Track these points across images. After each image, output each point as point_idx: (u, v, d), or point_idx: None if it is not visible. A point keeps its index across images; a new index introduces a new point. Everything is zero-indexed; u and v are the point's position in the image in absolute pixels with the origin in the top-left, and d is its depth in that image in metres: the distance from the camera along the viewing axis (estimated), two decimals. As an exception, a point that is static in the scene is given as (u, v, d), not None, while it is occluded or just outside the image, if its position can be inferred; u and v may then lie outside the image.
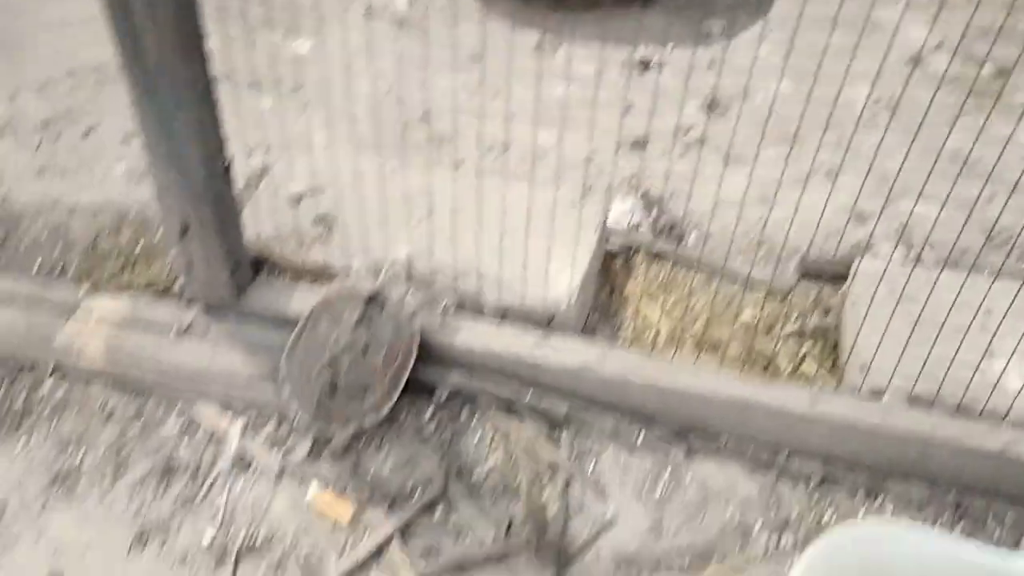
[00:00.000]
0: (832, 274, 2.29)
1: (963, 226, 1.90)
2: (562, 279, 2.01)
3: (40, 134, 2.63)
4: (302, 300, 2.02)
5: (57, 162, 2.54)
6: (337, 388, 1.84)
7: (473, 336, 1.95)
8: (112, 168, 2.52)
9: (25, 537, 1.74)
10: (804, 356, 2.10)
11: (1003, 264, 2.23)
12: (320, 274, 2.09)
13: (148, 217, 2.33)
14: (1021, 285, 1.88)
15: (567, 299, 2.00)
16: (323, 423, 1.85)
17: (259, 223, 2.11)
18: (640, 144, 2.68)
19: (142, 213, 2.35)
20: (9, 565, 1.70)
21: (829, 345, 2.12)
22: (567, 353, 1.93)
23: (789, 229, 1.92)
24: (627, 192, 2.54)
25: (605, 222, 2.28)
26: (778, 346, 2.12)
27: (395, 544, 1.74)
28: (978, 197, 1.91)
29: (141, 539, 1.74)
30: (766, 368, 2.06)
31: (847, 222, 2.28)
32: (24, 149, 2.59)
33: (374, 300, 1.91)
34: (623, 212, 2.46)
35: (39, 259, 2.24)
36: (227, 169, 1.83)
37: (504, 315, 2.03)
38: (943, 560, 1.03)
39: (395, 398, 1.87)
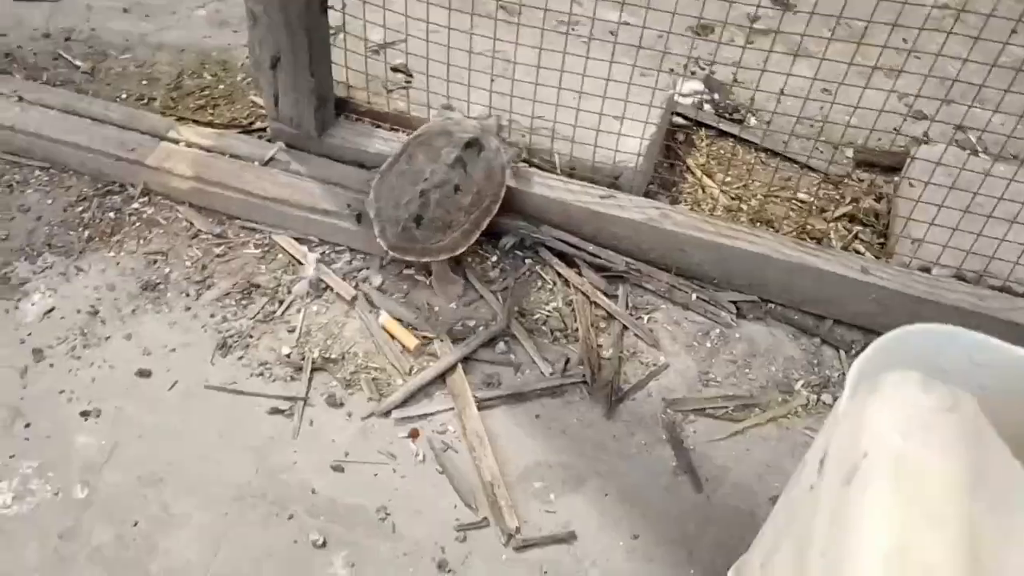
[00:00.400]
0: (886, 164, 2.36)
1: (1016, 124, 1.95)
2: (630, 142, 2.08)
3: (125, -26, 2.71)
4: (381, 144, 2.10)
5: (141, 2, 2.61)
6: (422, 220, 1.92)
7: (543, 187, 2.04)
8: (193, 12, 2.59)
9: (116, 337, 1.86)
10: (855, 236, 2.18)
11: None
12: (399, 121, 2.17)
13: (229, 60, 2.41)
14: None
15: (634, 160, 2.08)
16: (402, 249, 1.94)
17: (340, 69, 2.18)
18: (708, 29, 2.72)
19: (223, 56, 2.42)
20: (100, 362, 1.82)
21: (879, 230, 2.20)
22: (631, 209, 2.01)
23: (850, 119, 1.97)
24: (694, 72, 2.60)
25: (673, 96, 2.34)
26: (830, 226, 2.20)
27: (458, 371, 1.86)
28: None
29: (224, 347, 1.86)
30: (818, 243, 2.14)
31: (905, 117, 2.33)
32: (110, -12, 2.66)
33: (472, 145, 1.98)
34: (689, 91, 2.52)
35: (126, 90, 2.33)
36: (324, 0, 1.89)
37: (573, 171, 2.11)
38: (999, 359, 1.12)
39: (473, 240, 1.96)
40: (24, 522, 1.58)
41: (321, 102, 2.04)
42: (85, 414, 1.74)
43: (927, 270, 1.96)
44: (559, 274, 2.03)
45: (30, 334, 1.85)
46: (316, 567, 1.57)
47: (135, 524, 1.60)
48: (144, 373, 1.80)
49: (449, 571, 1.58)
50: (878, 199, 2.27)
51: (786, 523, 1.15)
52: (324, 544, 1.60)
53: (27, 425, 1.71)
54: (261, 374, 1.82)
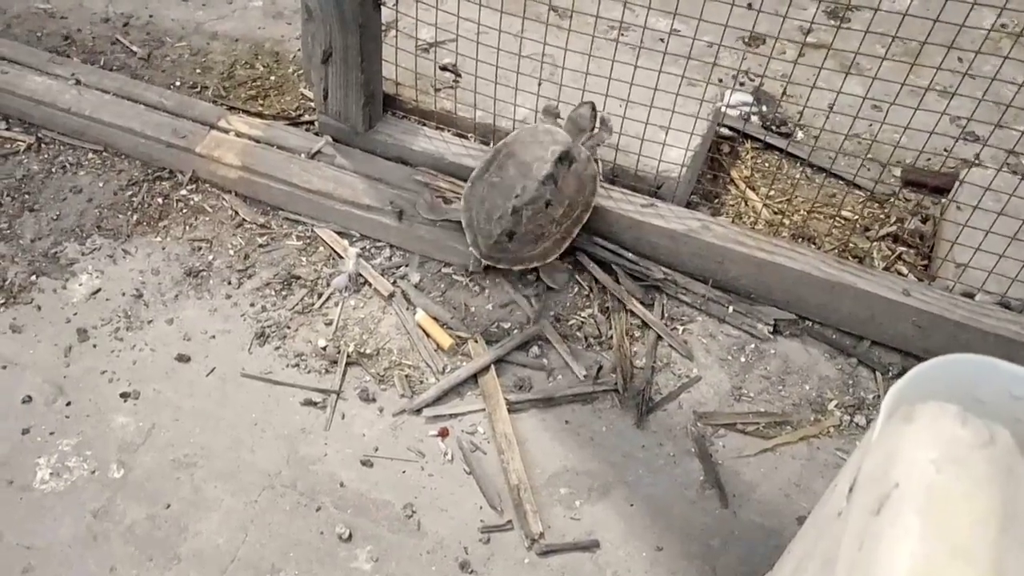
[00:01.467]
0: (935, 186, 2.33)
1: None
2: (674, 152, 2.08)
3: (184, -36, 2.75)
4: (426, 142, 2.12)
5: (199, -9, 2.66)
6: (515, 235, 1.93)
7: (583, 194, 2.04)
8: (249, 3, 2.63)
9: (158, 321, 1.90)
10: (898, 256, 2.16)
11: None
12: (445, 120, 2.19)
13: (282, 52, 2.44)
14: None
15: (678, 169, 2.07)
16: (495, 259, 1.96)
17: (389, 66, 2.20)
18: (759, 40, 2.70)
19: (276, 48, 2.46)
20: (141, 344, 1.86)
21: (923, 251, 2.17)
22: (672, 219, 2.01)
23: (900, 138, 1.95)
24: (742, 84, 2.58)
25: (720, 107, 2.33)
26: (873, 245, 2.17)
27: (490, 373, 1.87)
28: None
29: (261, 336, 1.89)
30: (860, 262, 2.12)
31: (956, 139, 2.30)
32: (168, -24, 2.71)
33: (564, 159, 1.96)
34: (736, 102, 2.51)
35: (180, 77, 2.37)
36: (377, -1, 1.92)
37: (615, 178, 2.11)
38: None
39: (566, 246, 1.97)
40: (60, 498, 1.62)
41: (369, 98, 2.06)
42: (125, 395, 1.77)
43: (970, 295, 1.94)
44: (596, 280, 2.03)
45: (76, 314, 1.89)
46: (340, 559, 1.59)
47: (168, 506, 1.63)
48: (183, 358, 1.84)
49: (471, 572, 1.60)
50: (924, 220, 2.24)
51: (812, 546, 1.15)
52: (350, 537, 1.62)
53: (68, 403, 1.75)
54: (296, 365, 1.85)
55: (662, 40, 2.43)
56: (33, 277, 1.94)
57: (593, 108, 2.03)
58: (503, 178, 1.95)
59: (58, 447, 1.69)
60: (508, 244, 1.93)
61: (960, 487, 0.86)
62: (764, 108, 2.53)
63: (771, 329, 1.98)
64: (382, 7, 1.95)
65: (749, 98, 2.53)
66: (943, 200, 2.24)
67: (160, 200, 2.11)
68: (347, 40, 1.94)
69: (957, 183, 2.18)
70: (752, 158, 2.38)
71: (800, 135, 2.47)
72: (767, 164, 2.37)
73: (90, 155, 2.19)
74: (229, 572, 1.56)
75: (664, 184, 2.09)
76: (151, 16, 2.55)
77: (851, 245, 2.17)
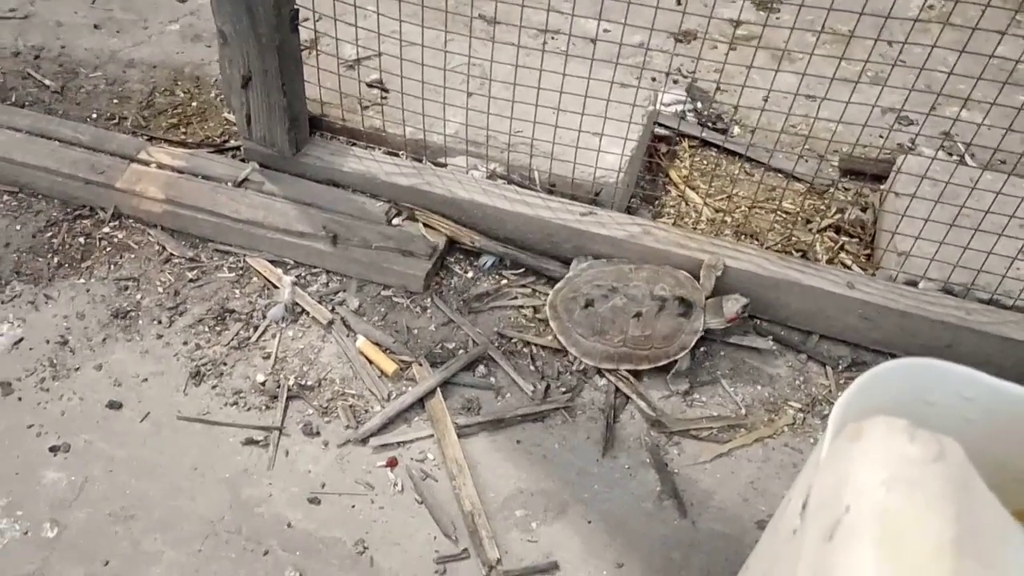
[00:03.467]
0: (873, 173, 2.32)
1: (1005, 134, 1.91)
2: (610, 158, 2.04)
3: (96, -10, 2.66)
4: (356, 163, 2.06)
5: (113, 17, 2.56)
6: (592, 304, 1.90)
7: (522, 206, 2.00)
8: (166, 27, 2.54)
9: (86, 368, 1.82)
10: (841, 247, 2.15)
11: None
12: (374, 138, 2.13)
13: (203, 76, 2.37)
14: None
15: (615, 175, 2.04)
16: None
17: (314, 86, 2.13)
18: (690, 36, 2.69)
19: (196, 72, 2.38)
20: (69, 394, 1.78)
21: (865, 240, 2.16)
22: (612, 226, 1.97)
23: (836, 128, 1.94)
24: (676, 82, 2.56)
25: (655, 108, 2.30)
26: (815, 237, 2.16)
27: (437, 396, 1.82)
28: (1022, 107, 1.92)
29: (196, 375, 1.82)
30: (803, 256, 2.10)
31: (890, 127, 2.30)
32: (80, 3, 2.61)
33: (684, 302, 1.88)
34: (671, 101, 2.48)
35: (96, 109, 2.29)
36: (294, 18, 1.85)
37: (553, 187, 2.07)
38: (987, 396, 1.09)
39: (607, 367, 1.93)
40: (-9, 564, 1.54)
41: (294, 121, 2.00)
42: (54, 449, 1.69)
43: (914, 284, 1.93)
44: (537, 293, 1.99)
45: (-2, 365, 1.81)
46: (292, 605, 1.53)
47: (106, 563, 1.56)
48: (115, 405, 1.76)
49: (428, 605, 1.55)
50: (864, 209, 2.24)
51: (770, 568, 1.12)
52: (300, 580, 1.56)
53: (-6, 462, 1.67)
54: (235, 403, 1.78)
55: (592, 41, 2.40)
56: (-50, 330, 1.85)
57: (745, 308, 1.91)
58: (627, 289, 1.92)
59: (-15, 509, 1.60)
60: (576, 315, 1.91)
61: (913, 509, 0.83)
62: (699, 105, 2.51)
63: (720, 330, 1.95)
64: (299, 27, 1.89)
65: (683, 95, 2.51)
66: (881, 188, 2.23)
67: (82, 240, 2.02)
68: (265, 63, 1.88)
69: (894, 171, 2.17)
70: (690, 156, 2.36)
71: (736, 130, 2.46)
72: (705, 162, 2.35)
73: (4, 197, 2.09)
74: (175, 628, 1.50)
75: (603, 191, 2.05)
76: (63, 47, 2.46)
77: (794, 239, 2.16)
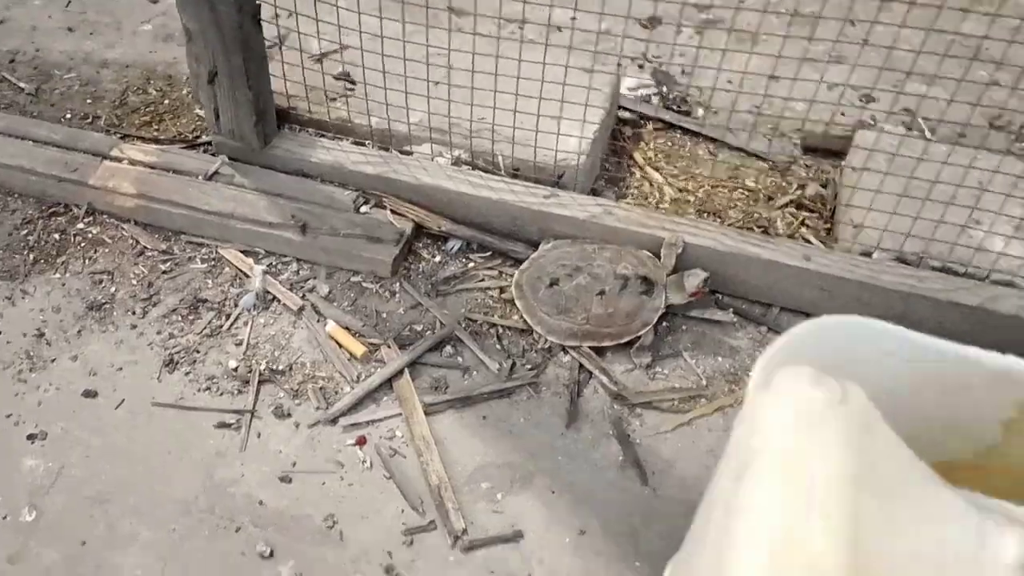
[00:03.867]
0: (833, 149, 2.37)
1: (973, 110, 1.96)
2: (572, 141, 2.09)
3: (70, -7, 2.72)
4: (324, 153, 2.11)
5: (87, 20, 2.61)
6: (556, 283, 1.96)
7: (486, 190, 2.05)
8: (139, 28, 2.60)
9: (62, 359, 1.87)
10: (802, 222, 2.19)
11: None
12: (341, 129, 2.18)
13: (175, 75, 2.42)
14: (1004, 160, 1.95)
15: (576, 158, 2.08)
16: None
17: (283, 80, 2.18)
18: (656, 21, 2.73)
19: (169, 71, 2.43)
20: (46, 384, 1.83)
21: (825, 215, 2.21)
22: (574, 207, 2.02)
23: (808, 109, 1.98)
24: (640, 66, 2.60)
25: (616, 91, 2.35)
26: (776, 213, 2.21)
27: (405, 376, 1.87)
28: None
29: (170, 363, 1.87)
30: (764, 232, 2.15)
31: (842, 101, 2.35)
32: (54, 6, 2.66)
33: (647, 282, 1.93)
34: (636, 85, 2.53)
35: (71, 110, 2.34)
36: (256, 13, 1.90)
37: (517, 172, 2.12)
38: (907, 350, 1.13)
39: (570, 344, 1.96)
40: (-29, 547, 1.59)
41: (261, 115, 2.05)
42: (32, 437, 1.74)
43: (869, 255, 1.97)
44: (504, 275, 2.04)
45: (-24, 360, 1.86)
46: (263, 579, 1.58)
47: (83, 544, 1.61)
48: (90, 394, 1.81)
49: (396, 575, 1.60)
50: (824, 185, 2.28)
51: (705, 520, 1.16)
52: (272, 555, 1.61)
53: (-27, 451, 1.72)
54: (208, 389, 1.83)
55: (559, 28, 2.45)
56: (-71, 327, 1.91)
57: (706, 282, 1.95)
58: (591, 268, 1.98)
59: (-34, 496, 1.66)
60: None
61: (815, 447, 0.87)
62: (665, 89, 2.56)
63: (682, 305, 2.00)
64: (261, 22, 1.94)
65: (649, 79, 2.55)
66: (841, 164, 2.28)
67: (57, 236, 2.07)
68: (230, 59, 1.93)
69: (851, 146, 2.22)
70: (655, 139, 2.40)
71: (701, 112, 2.50)
72: (670, 144, 2.40)
73: (-18, 197, 2.15)
74: (150, 604, 1.55)
75: (565, 173, 2.10)
76: (38, 50, 2.51)
77: (756, 215, 2.21)
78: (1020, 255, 1.93)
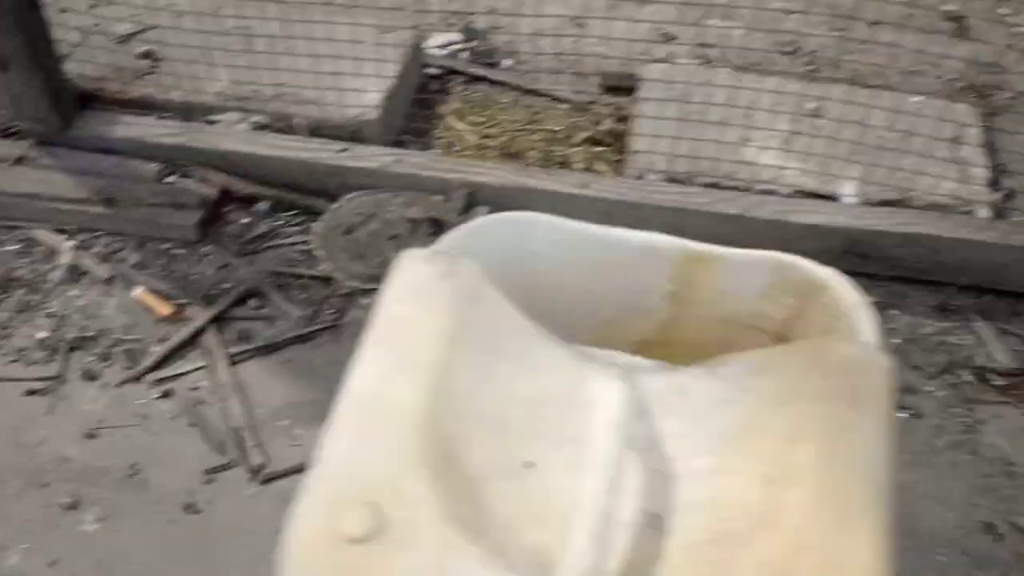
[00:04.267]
0: (630, 86, 2.49)
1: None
2: (367, 95, 2.19)
3: None
4: (124, 129, 2.19)
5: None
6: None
7: (282, 150, 2.14)
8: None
9: None
10: (597, 157, 2.32)
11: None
12: (148, 104, 2.26)
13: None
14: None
15: (373, 112, 2.19)
16: None
17: (89, 62, 2.26)
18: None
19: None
20: None
21: (619, 149, 2.33)
22: (368, 158, 2.12)
23: (612, 50, 2.11)
24: (450, 25, 2.71)
25: (418, 48, 2.45)
26: (572, 150, 2.33)
27: (210, 331, 1.96)
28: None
29: (-19, 340, 1.95)
30: (562, 168, 2.27)
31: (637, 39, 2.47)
32: None
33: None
34: (444, 42, 2.63)
35: None
36: (34, 2, 1.98)
37: (315, 131, 2.22)
38: (573, 239, 1.25)
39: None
40: None
41: (56, 96, 2.12)
42: None
43: (642, 177, 2.10)
44: (309, 230, 2.14)
45: None
46: (67, 526, 1.67)
47: None
48: None
49: (196, 511, 1.70)
50: (621, 120, 2.41)
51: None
52: (76, 505, 1.70)
53: None
54: (17, 360, 1.91)
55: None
56: None
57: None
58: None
59: None
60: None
61: (416, 313, 0.99)
62: (475, 43, 2.66)
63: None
64: (40, 6, 2.01)
65: (458, 36, 2.66)
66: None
67: None
68: (16, 47, 2.00)
69: (639, 81, 2.35)
70: (462, 92, 2.51)
71: (509, 62, 2.61)
72: (477, 95, 2.50)
73: None
74: (-42, 561, 1.63)
75: (363, 128, 2.20)
76: None
77: (554, 154, 2.32)
78: (781, 165, 2.07)
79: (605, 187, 2.06)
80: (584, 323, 1.27)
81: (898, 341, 2.00)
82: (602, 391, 0.99)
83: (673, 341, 1.33)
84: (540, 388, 1.00)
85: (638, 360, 1.10)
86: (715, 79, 2.23)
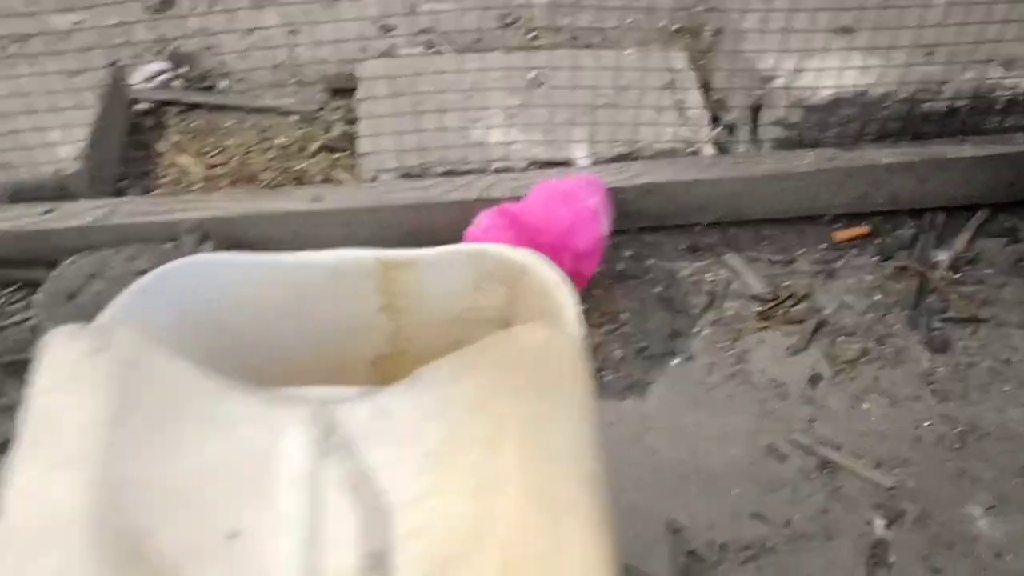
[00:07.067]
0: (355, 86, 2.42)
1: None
2: (64, 148, 2.02)
3: None
4: None
5: None
6: None
7: (-17, 224, 1.95)
8: None
9: None
10: (334, 164, 2.23)
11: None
12: None
13: None
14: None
15: (72, 165, 2.02)
16: None
17: None
18: (168, 4, 2.67)
19: None
20: None
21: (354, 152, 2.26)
22: (77, 216, 1.95)
23: (333, 52, 2.02)
24: (156, 53, 2.54)
25: (119, 84, 2.29)
26: (308, 162, 2.24)
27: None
28: None
29: None
30: (300, 183, 2.17)
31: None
32: None
33: None
34: (154, 72, 2.47)
35: None
36: None
37: (14, 196, 2.02)
38: (258, 274, 1.16)
39: None
40: None
41: None
42: None
43: (374, 179, 2.04)
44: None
45: None
46: None
47: None
48: None
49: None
50: (351, 123, 2.33)
51: None
52: None
53: None
54: None
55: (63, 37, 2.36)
56: None
57: None
58: None
59: None
60: None
61: (69, 399, 0.88)
62: (187, 68, 2.51)
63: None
64: None
65: (166, 64, 2.50)
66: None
67: None
68: None
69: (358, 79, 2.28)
70: (179, 122, 2.36)
71: (226, 83, 2.48)
72: (197, 123, 2.37)
73: None
74: None
75: (67, 183, 2.03)
76: None
77: (290, 169, 2.22)
78: (511, 140, 2.06)
79: (339, 197, 1.98)
80: (301, 359, 1.20)
81: (659, 289, 2.03)
82: (286, 439, 0.92)
83: (408, 351, 1.27)
84: (235, 447, 0.91)
85: (339, 391, 1.03)
86: (434, 65, 2.19)
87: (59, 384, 0.89)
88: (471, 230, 1.78)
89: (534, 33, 2.54)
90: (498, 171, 2.02)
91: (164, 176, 2.22)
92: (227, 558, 0.85)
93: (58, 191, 2.02)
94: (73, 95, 2.09)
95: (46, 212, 1.96)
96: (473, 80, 2.15)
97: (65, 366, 0.90)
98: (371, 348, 1.28)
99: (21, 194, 2.02)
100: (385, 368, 1.27)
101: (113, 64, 2.31)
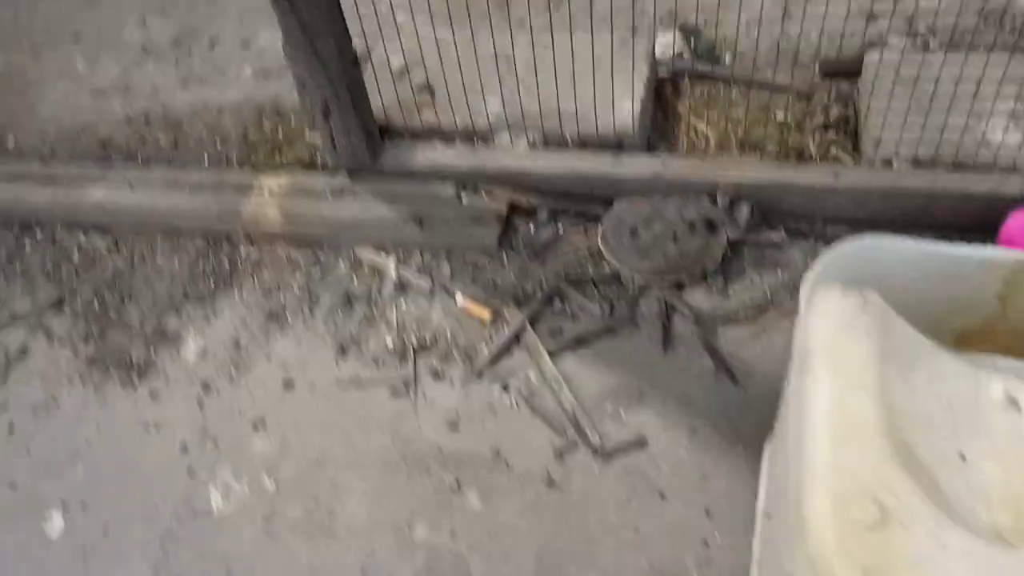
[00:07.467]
0: (850, 71, 2.72)
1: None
2: (625, 107, 2.48)
3: (175, 52, 3.14)
4: (423, 156, 2.54)
5: (195, 73, 3.05)
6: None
7: (556, 161, 2.46)
8: (241, 70, 3.03)
9: (258, 358, 2.36)
10: (831, 144, 2.57)
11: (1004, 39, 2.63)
12: (433, 132, 2.60)
13: (281, 108, 2.85)
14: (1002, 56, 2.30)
15: (631, 123, 2.48)
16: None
17: (373, 97, 2.60)
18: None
19: (275, 106, 2.86)
20: (252, 380, 2.32)
21: (851, 132, 2.57)
22: (638, 166, 2.43)
23: (823, 36, 2.33)
24: (667, 26, 2.96)
25: (653, 54, 2.72)
26: (807, 139, 2.58)
27: (528, 330, 2.32)
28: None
29: (343, 350, 2.34)
30: (800, 158, 2.53)
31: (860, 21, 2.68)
32: (165, 65, 3.10)
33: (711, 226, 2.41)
34: (666, 44, 2.89)
35: (207, 154, 2.79)
36: (355, 59, 2.32)
37: (583, 144, 2.52)
38: (919, 256, 1.53)
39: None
40: (236, 514, 2.10)
41: (369, 134, 2.47)
42: (255, 425, 2.24)
43: (889, 163, 2.35)
44: (589, 233, 2.47)
45: (195, 371, 2.35)
46: (456, 506, 2.06)
47: (315, 498, 2.11)
48: (288, 384, 2.30)
49: (556, 487, 2.06)
50: (845, 104, 2.64)
51: (785, 407, 1.60)
52: (459, 486, 2.09)
53: (215, 442, 2.22)
54: (376, 365, 2.30)
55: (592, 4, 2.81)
56: (152, 352, 2.40)
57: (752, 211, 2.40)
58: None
59: (220, 476, 2.16)
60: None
61: (850, 339, 1.30)
62: (693, 42, 2.91)
63: (741, 230, 2.40)
64: (359, 63, 2.35)
65: (675, 37, 2.91)
66: (856, 84, 2.63)
67: (227, 263, 2.55)
68: (339, 95, 2.35)
69: (862, 67, 2.57)
70: (692, 91, 2.77)
71: (728, 57, 2.86)
72: (706, 93, 2.77)
73: (159, 241, 2.63)
74: (375, 535, 2.04)
75: (624, 138, 2.50)
76: (164, 106, 2.96)
77: (790, 144, 2.58)
78: (1018, 141, 2.29)
79: (856, 176, 2.32)
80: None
81: None
82: (991, 392, 1.29)
83: (998, 332, 1.61)
84: (950, 392, 1.30)
85: (1011, 362, 1.39)
86: (932, 61, 2.43)
87: (839, 327, 1.31)
88: (1008, 225, 2.06)
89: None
90: (1004, 170, 2.27)
91: (684, 138, 2.65)
92: (960, 472, 1.24)
93: (616, 143, 2.50)
94: (625, 61, 2.54)
95: (613, 160, 2.44)
96: (974, 79, 2.38)
97: (844, 314, 1.32)
98: (962, 324, 1.63)
99: (587, 143, 2.52)
100: (962, 343, 1.61)
101: (634, 32, 2.74)
